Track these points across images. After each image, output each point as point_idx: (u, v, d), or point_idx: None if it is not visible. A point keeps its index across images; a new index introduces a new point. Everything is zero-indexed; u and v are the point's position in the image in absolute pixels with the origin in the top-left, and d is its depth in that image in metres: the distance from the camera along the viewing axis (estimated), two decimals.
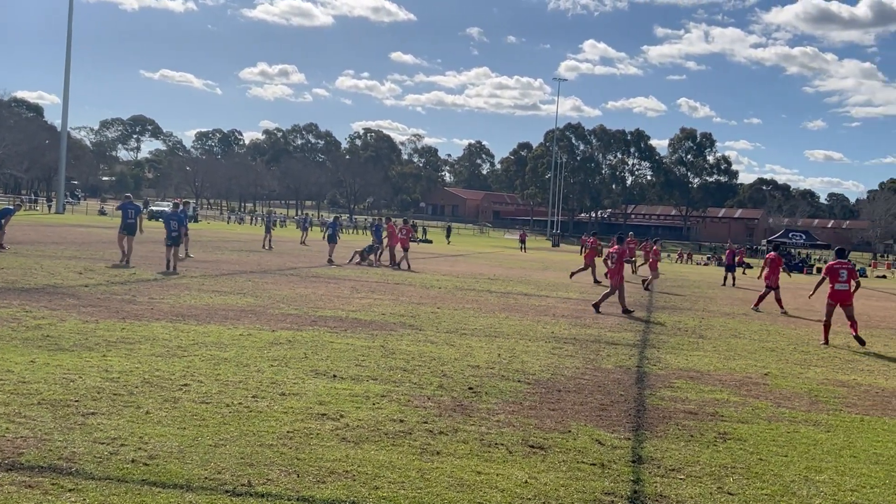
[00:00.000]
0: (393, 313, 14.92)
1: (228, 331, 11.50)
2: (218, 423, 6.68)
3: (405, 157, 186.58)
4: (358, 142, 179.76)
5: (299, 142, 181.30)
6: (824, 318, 15.26)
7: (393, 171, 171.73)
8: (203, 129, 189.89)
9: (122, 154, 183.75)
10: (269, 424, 6.74)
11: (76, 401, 7.04)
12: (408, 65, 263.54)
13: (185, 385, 7.92)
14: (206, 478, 5.38)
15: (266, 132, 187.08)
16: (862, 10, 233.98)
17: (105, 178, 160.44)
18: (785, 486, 6.11)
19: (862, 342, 14.88)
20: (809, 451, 7.14)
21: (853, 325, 15.04)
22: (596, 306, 18.09)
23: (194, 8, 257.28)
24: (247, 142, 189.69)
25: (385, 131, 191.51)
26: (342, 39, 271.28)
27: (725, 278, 33.01)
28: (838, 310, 15.02)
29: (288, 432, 6.55)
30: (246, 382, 8.24)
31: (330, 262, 28.03)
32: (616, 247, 18.50)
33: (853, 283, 15.06)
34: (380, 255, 29.55)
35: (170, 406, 7.09)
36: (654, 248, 29.45)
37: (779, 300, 21.33)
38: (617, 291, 18.00)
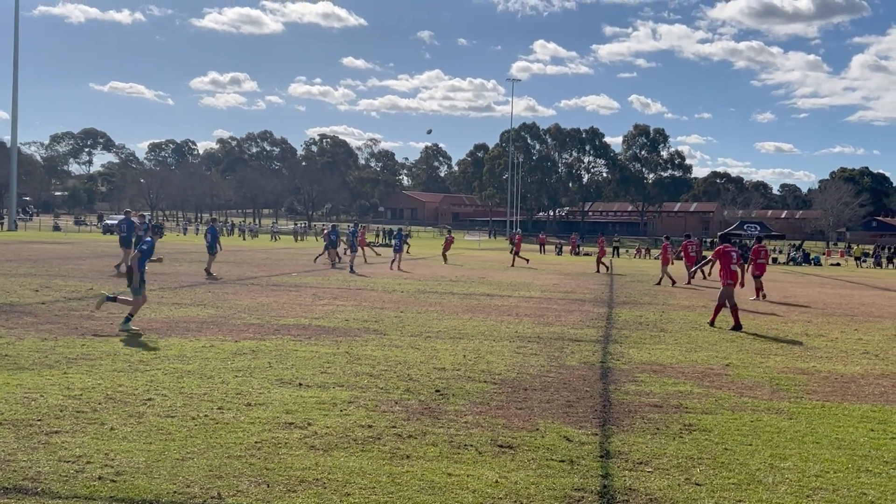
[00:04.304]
0: (356, 319, 14.89)
1: (190, 343, 11.39)
2: (184, 436, 6.62)
3: (362, 161, 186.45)
4: (314, 148, 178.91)
5: (254, 150, 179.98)
6: (730, 302, 15.75)
7: (350, 176, 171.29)
8: (156, 140, 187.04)
9: (74, 168, 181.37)
10: (237, 436, 6.70)
11: (38, 420, 6.93)
12: (360, 70, 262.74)
13: (149, 399, 7.84)
14: (174, 492, 5.34)
15: (220, 141, 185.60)
16: (804, 3, 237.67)
17: (57, 193, 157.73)
18: (751, 474, 6.21)
19: (738, 327, 15.46)
20: (773, 439, 7.26)
21: (734, 308, 15.77)
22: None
23: (142, 19, 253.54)
24: (201, 151, 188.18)
25: (341, 136, 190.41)
26: (293, 46, 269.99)
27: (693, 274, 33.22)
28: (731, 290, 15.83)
29: (256, 443, 6.52)
30: (211, 394, 8.17)
31: (351, 270, 28.70)
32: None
33: (739, 267, 16.36)
34: (347, 259, 30.15)
35: (134, 421, 7.01)
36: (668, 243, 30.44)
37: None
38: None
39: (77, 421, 6.96)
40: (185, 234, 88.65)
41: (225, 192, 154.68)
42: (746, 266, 24.51)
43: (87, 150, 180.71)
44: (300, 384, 8.83)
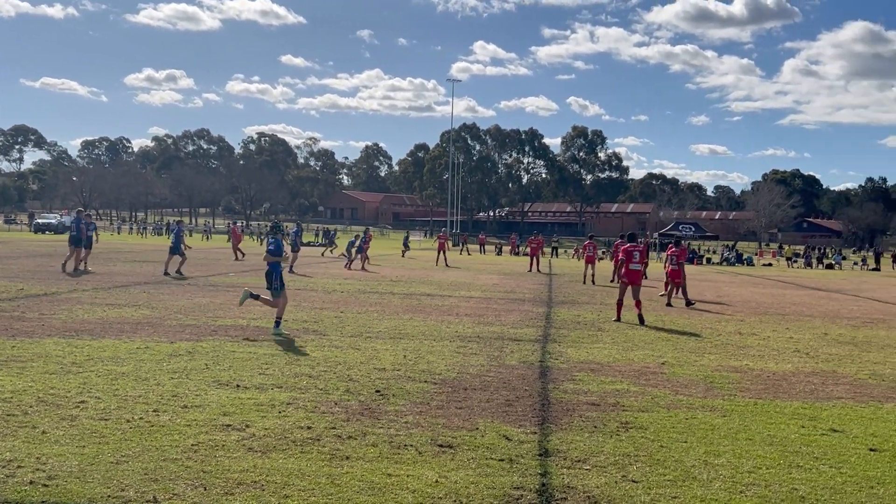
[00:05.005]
0: (296, 319, 14.77)
1: (125, 344, 11.17)
2: (118, 439, 6.50)
3: (301, 160, 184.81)
4: (252, 146, 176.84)
5: (191, 148, 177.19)
6: (618, 297, 16.97)
7: (289, 175, 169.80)
8: (89, 138, 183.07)
9: (4, 166, 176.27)
10: (173, 438, 6.59)
11: None
12: (299, 68, 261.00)
13: (82, 402, 7.66)
14: (109, 496, 5.23)
15: (156, 139, 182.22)
16: (738, 7, 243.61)
17: None
18: (686, 471, 6.32)
19: (642, 321, 16.38)
20: (707, 436, 7.41)
21: (638, 304, 16.78)
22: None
23: (75, 14, 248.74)
24: (136, 149, 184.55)
25: (280, 135, 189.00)
26: (231, 43, 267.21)
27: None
28: (632, 289, 16.89)
29: (192, 445, 6.42)
30: (146, 396, 8.03)
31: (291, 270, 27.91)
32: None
33: (644, 264, 17.30)
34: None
35: (67, 424, 6.85)
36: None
37: (675, 291, 22.03)
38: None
39: (7, 424, 6.78)
40: (118, 233, 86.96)
41: (160, 190, 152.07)
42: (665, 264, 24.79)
43: (17, 147, 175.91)
44: (238, 386, 8.73)
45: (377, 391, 8.74)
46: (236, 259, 35.77)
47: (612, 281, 28.63)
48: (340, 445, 6.60)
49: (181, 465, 5.91)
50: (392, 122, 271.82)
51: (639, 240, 18.20)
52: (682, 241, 24.29)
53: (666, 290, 23.08)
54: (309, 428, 7.09)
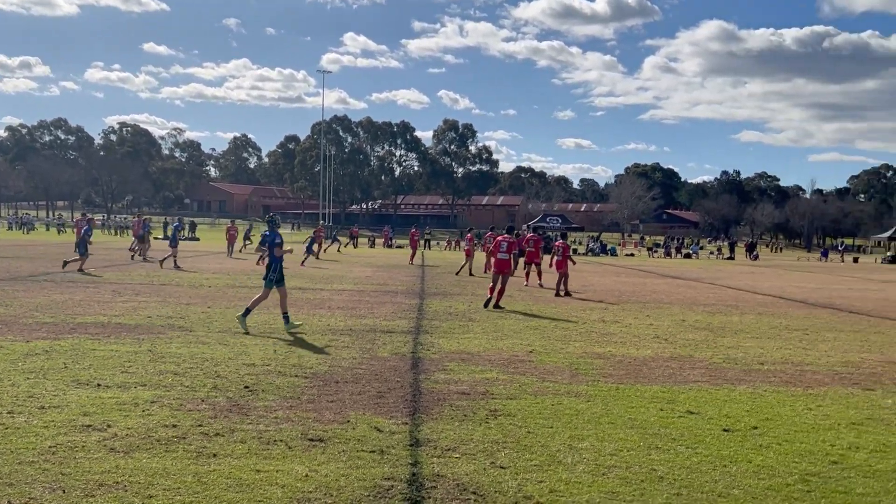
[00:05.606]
0: (160, 315, 14.34)
1: None
2: None
3: (166, 152, 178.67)
4: (113, 137, 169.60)
5: (47, 138, 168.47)
6: (491, 284, 18.07)
7: (153, 166, 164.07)
8: None
9: None
10: (29, 440, 6.30)
11: None
12: (163, 56, 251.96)
13: None
14: None
15: (9, 129, 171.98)
16: (601, 5, 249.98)
17: None
18: (551, 455, 6.51)
19: (488, 304, 17.66)
20: (572, 421, 7.65)
21: (501, 291, 17.91)
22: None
23: None
24: None
25: (143, 125, 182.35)
26: (90, 30, 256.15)
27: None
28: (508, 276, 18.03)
29: (50, 447, 6.16)
30: (0, 398, 7.64)
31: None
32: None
33: (511, 255, 18.31)
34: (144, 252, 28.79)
35: None
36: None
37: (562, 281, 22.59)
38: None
39: None
40: None
41: (15, 183, 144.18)
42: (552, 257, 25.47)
43: None
44: (99, 385, 8.42)
45: (246, 387, 8.60)
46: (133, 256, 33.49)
47: (485, 271, 29.08)
48: (207, 443, 6.47)
49: (38, 468, 5.66)
50: (261, 113, 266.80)
51: (515, 232, 19.15)
52: (567, 235, 24.94)
53: (527, 280, 23.82)
54: (174, 426, 6.92)
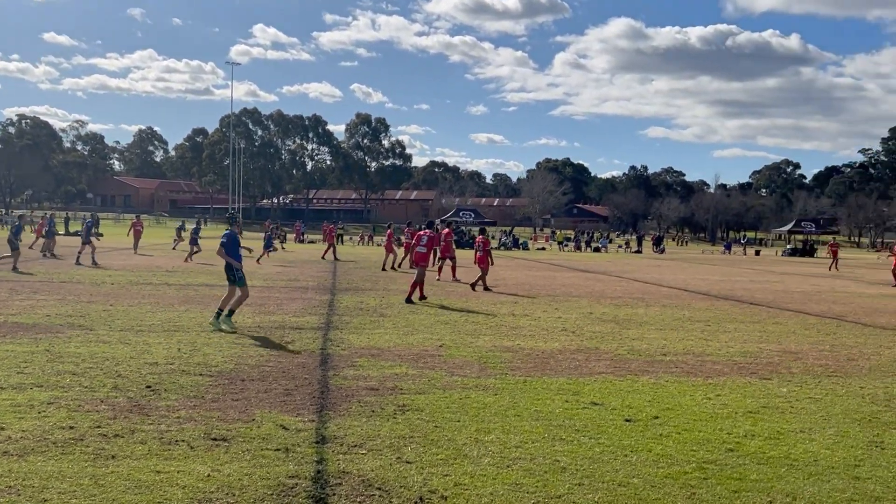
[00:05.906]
0: (59, 314, 13.88)
1: None
2: None
3: (67, 145, 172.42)
4: (11, 129, 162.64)
5: None
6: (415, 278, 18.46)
7: (54, 160, 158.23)
8: None
9: None
10: None
11: None
12: (64, 46, 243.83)
13: None
14: None
15: None
16: (512, 1, 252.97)
17: None
18: (458, 449, 6.55)
19: (409, 300, 17.79)
20: (479, 415, 7.71)
21: (414, 284, 18.28)
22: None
23: None
24: None
25: (42, 117, 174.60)
26: None
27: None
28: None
29: None
30: None
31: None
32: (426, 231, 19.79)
33: (429, 249, 19.09)
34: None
35: None
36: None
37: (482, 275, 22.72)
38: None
39: None
40: None
41: None
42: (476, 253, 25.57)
43: None
44: None
45: (148, 386, 8.39)
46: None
47: (410, 267, 29.10)
48: (106, 444, 6.29)
49: None
50: (168, 106, 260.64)
51: (436, 227, 19.53)
52: (486, 231, 25.07)
53: (440, 274, 24.00)
54: (71, 428, 6.71)
